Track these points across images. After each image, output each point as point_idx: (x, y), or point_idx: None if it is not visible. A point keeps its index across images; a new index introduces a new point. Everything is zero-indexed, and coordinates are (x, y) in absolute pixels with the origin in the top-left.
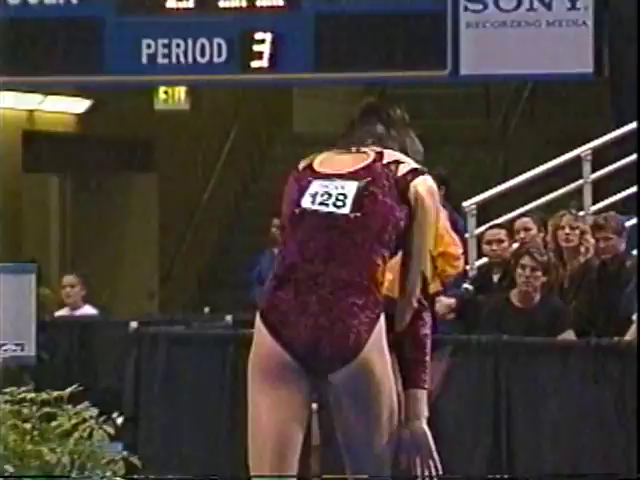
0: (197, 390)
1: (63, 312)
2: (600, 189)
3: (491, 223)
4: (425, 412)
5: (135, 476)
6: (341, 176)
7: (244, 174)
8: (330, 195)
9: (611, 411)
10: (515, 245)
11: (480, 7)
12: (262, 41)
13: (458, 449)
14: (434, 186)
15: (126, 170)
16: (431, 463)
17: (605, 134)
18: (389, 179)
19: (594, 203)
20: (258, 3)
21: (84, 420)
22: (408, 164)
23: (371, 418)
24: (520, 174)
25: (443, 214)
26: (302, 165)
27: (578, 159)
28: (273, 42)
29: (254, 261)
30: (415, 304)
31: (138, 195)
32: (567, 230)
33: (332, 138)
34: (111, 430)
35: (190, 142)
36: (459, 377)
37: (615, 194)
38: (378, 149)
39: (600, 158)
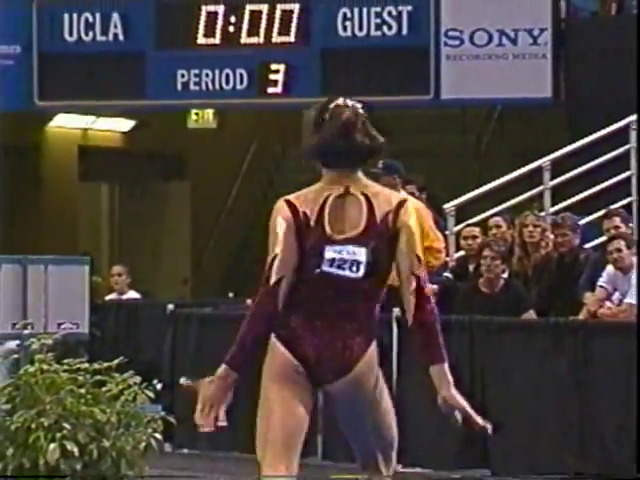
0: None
1: (112, 296)
2: (558, 194)
3: (467, 222)
4: (450, 380)
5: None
6: (351, 240)
7: (262, 182)
8: (345, 261)
9: (567, 379)
10: (482, 241)
11: (458, 43)
12: (277, 71)
13: (432, 425)
14: (411, 206)
15: (164, 179)
16: (472, 418)
17: (562, 148)
18: (388, 230)
19: (553, 205)
20: (274, 40)
21: (129, 386)
22: (390, 198)
23: (364, 422)
24: (492, 181)
25: (429, 215)
26: (304, 210)
27: (539, 169)
28: (286, 72)
29: None
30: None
31: (174, 200)
32: (530, 228)
33: None
34: (151, 394)
35: (217, 155)
36: None
37: (570, 198)
38: (367, 193)
39: (558, 168)
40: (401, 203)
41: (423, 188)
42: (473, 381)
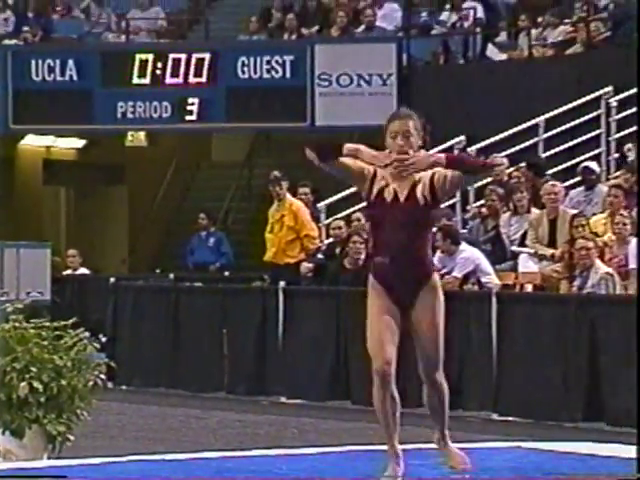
0: (152, 322)
1: (68, 272)
2: None
3: (335, 217)
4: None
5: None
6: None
7: (181, 187)
8: None
9: (411, 337)
10: (349, 230)
11: (327, 83)
12: (193, 104)
13: (309, 368)
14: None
15: (108, 184)
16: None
17: None
18: None
19: None
20: (190, 80)
21: (81, 339)
22: None
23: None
24: (352, 187)
25: (307, 212)
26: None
27: None
28: (199, 104)
29: (188, 242)
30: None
31: (115, 200)
32: None
33: (235, 164)
34: (98, 346)
35: (148, 167)
36: (313, 316)
37: None
38: None
39: None
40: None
41: (315, 191)
42: (338, 340)
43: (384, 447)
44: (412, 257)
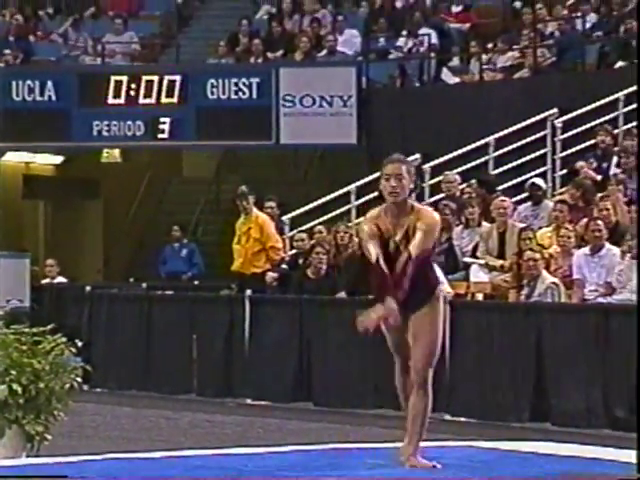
0: (125, 328)
1: (46, 281)
2: (360, 211)
3: (298, 229)
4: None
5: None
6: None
7: (154, 201)
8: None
9: (368, 341)
10: (312, 242)
11: (291, 104)
12: (164, 122)
13: (273, 372)
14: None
15: (84, 198)
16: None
17: (363, 179)
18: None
19: (357, 218)
20: (162, 101)
21: (58, 344)
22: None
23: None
24: (315, 202)
25: (272, 224)
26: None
27: (348, 193)
28: (171, 123)
29: (161, 252)
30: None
31: (91, 213)
32: (342, 234)
33: (205, 180)
34: (74, 350)
35: (122, 182)
36: (278, 323)
37: None
38: None
39: (361, 192)
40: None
41: (280, 204)
42: (301, 345)
43: (344, 446)
44: (416, 288)
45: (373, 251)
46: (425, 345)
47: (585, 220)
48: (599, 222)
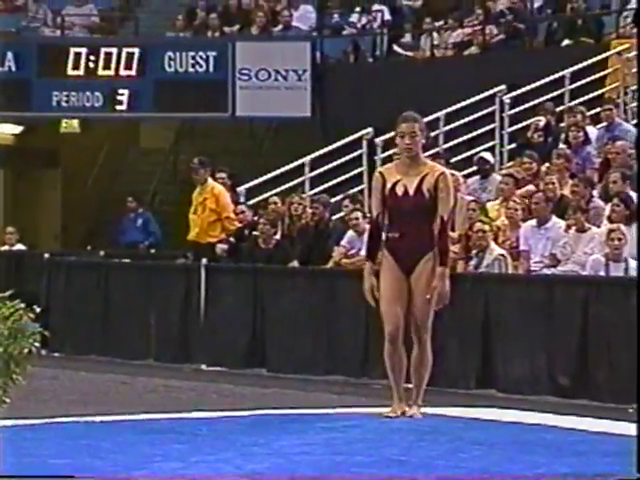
0: (83, 294)
1: (5, 248)
2: (314, 182)
3: (243, 202)
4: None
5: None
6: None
7: (111, 170)
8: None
9: (319, 310)
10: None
11: (247, 78)
12: (123, 94)
13: (228, 339)
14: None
15: (43, 167)
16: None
17: (317, 151)
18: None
19: (311, 189)
20: (120, 73)
21: (17, 310)
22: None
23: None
24: (271, 172)
25: (228, 195)
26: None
27: (302, 165)
28: (129, 95)
29: (119, 222)
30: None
31: (50, 182)
32: (296, 205)
33: (162, 151)
34: (32, 316)
35: (80, 151)
36: (232, 291)
37: (323, 184)
38: None
39: (315, 164)
40: None
41: (231, 175)
42: (255, 313)
43: (296, 411)
44: (417, 234)
45: (374, 210)
46: (427, 300)
47: (527, 191)
48: (539, 194)
